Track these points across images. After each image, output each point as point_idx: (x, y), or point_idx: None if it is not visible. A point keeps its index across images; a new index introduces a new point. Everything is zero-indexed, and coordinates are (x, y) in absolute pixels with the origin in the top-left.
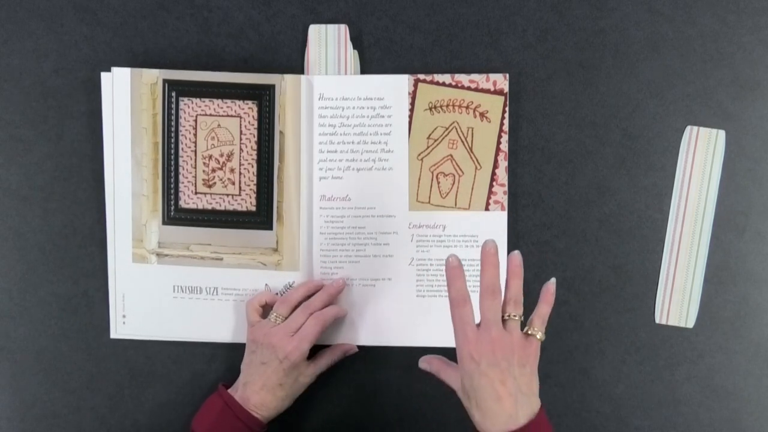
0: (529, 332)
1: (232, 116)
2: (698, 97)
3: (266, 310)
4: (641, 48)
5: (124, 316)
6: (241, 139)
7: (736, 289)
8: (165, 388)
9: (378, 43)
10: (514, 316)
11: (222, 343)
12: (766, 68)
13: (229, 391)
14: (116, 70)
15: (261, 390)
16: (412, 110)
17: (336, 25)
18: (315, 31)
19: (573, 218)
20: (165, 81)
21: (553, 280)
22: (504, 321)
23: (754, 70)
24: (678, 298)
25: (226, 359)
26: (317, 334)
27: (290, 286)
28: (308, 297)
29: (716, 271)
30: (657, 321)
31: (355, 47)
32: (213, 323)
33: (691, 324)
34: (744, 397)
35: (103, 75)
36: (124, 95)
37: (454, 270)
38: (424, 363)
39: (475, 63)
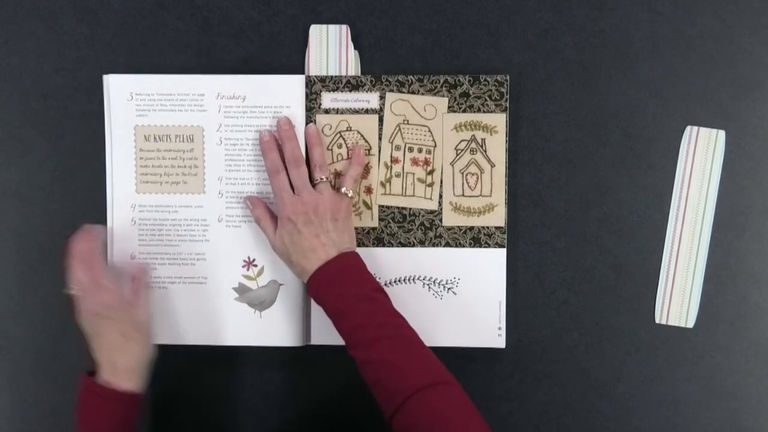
0: (342, 190)
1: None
2: (698, 97)
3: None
4: (641, 48)
5: None
6: None
7: (736, 289)
8: (165, 388)
9: (378, 43)
10: (322, 178)
11: (220, 345)
12: (766, 68)
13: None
14: (112, 77)
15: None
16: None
17: (337, 26)
18: (316, 31)
19: (573, 218)
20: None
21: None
22: (314, 185)
23: (754, 70)
24: (678, 298)
25: (226, 359)
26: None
27: None
28: None
29: (716, 271)
30: (657, 321)
31: (355, 47)
32: (220, 326)
33: (691, 324)
34: (744, 397)
35: (105, 78)
36: (126, 101)
37: (267, 143)
38: (249, 202)
39: (475, 63)
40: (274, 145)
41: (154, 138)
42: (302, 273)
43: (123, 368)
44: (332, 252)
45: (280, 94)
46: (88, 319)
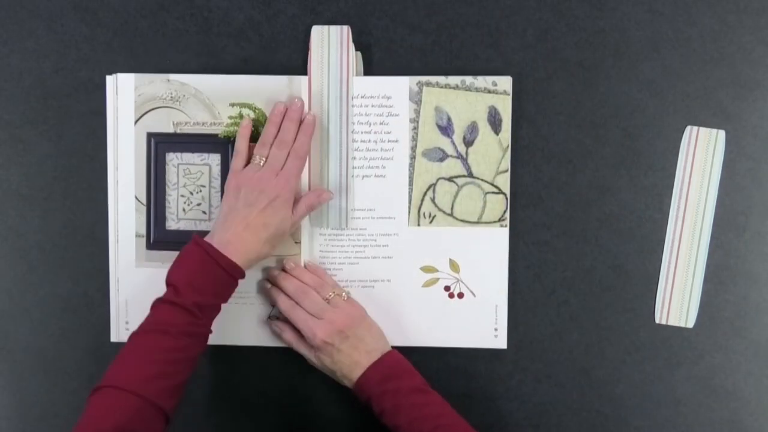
0: (342, 296)
1: None
2: (698, 97)
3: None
4: (641, 48)
5: (127, 323)
6: None
7: (736, 289)
8: None
9: (378, 44)
10: (335, 294)
11: (223, 345)
12: (766, 68)
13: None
14: (120, 76)
15: (244, 231)
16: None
17: (338, 27)
18: (318, 32)
19: (573, 218)
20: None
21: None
22: (328, 300)
23: (754, 70)
24: (678, 298)
25: (227, 359)
26: (300, 167)
27: None
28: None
29: (716, 271)
30: (657, 321)
31: (356, 48)
32: (223, 325)
33: (691, 324)
34: (744, 397)
35: (113, 76)
36: (129, 101)
37: (284, 280)
38: (278, 328)
39: (476, 63)
40: (290, 277)
41: None
42: (350, 381)
43: (237, 249)
44: (375, 356)
45: (287, 96)
46: (251, 190)
